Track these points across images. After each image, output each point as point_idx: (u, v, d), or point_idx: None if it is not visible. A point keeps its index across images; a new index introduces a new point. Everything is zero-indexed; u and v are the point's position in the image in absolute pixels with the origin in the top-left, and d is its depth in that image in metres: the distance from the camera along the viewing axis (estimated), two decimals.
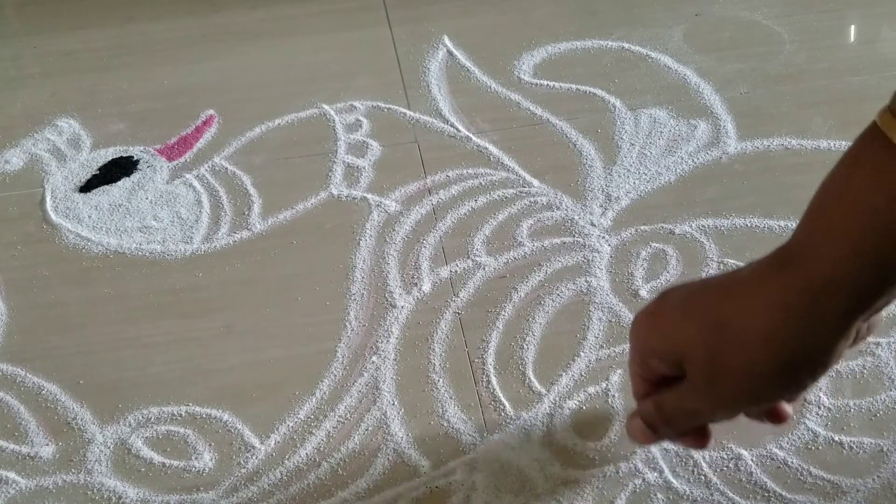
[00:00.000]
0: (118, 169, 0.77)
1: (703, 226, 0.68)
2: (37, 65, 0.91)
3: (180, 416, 0.58)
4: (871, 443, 0.54)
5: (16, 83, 0.88)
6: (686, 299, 0.40)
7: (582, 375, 0.59)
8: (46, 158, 0.79)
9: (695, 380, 0.40)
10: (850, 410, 0.56)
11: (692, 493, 0.52)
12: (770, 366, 0.37)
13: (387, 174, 0.75)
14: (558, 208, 0.70)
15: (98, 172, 0.76)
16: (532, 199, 0.71)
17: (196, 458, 0.56)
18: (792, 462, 0.53)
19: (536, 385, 0.58)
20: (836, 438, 0.54)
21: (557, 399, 0.57)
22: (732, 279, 0.39)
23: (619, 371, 0.59)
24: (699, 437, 0.44)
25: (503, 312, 0.63)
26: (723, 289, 0.39)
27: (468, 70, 0.85)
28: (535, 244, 0.68)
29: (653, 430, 0.45)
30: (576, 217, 0.69)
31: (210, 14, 0.96)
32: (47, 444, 0.57)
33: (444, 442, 0.56)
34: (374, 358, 0.61)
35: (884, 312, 0.38)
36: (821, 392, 0.57)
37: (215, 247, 0.70)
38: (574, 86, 0.82)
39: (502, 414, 0.57)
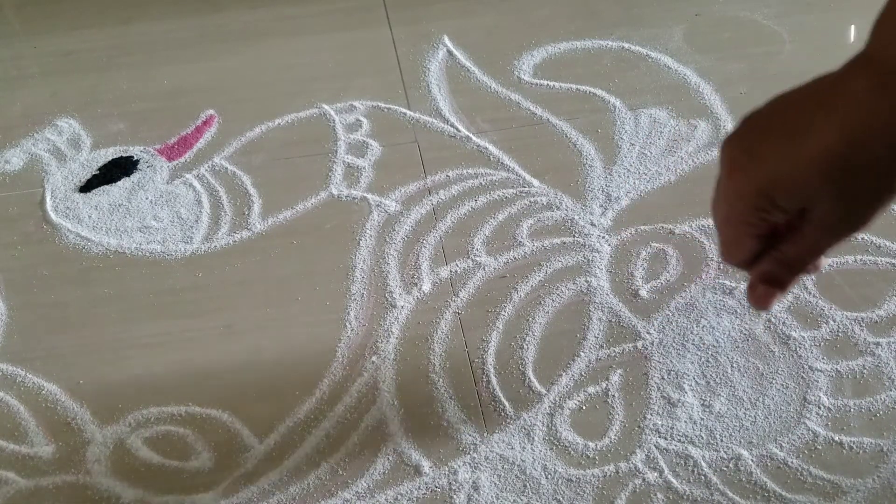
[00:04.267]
0: (118, 169, 0.77)
1: (703, 226, 0.68)
2: (37, 65, 0.91)
3: (180, 416, 0.58)
4: (871, 443, 0.54)
5: (16, 83, 0.88)
6: (787, 130, 0.36)
7: (582, 375, 0.59)
8: (46, 158, 0.79)
9: (825, 214, 0.36)
10: (850, 410, 0.56)
11: (692, 493, 0.52)
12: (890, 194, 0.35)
13: (387, 174, 0.75)
14: (558, 208, 0.70)
15: (98, 172, 0.76)
16: (532, 199, 0.71)
17: (195, 459, 0.56)
18: (792, 462, 0.53)
19: (536, 385, 0.58)
20: (836, 438, 0.54)
21: (557, 399, 0.57)
22: (821, 92, 0.36)
23: (619, 371, 0.59)
24: (815, 265, 0.42)
25: (503, 312, 0.63)
26: (819, 104, 0.36)
27: (468, 70, 0.85)
28: (535, 244, 0.68)
29: (781, 285, 0.42)
30: (576, 217, 0.69)
31: (210, 14, 0.96)
32: (47, 444, 0.57)
33: (445, 442, 0.56)
34: (374, 358, 0.61)
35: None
36: (821, 392, 0.57)
37: (215, 247, 0.70)
38: (574, 86, 0.82)
39: (502, 414, 0.57)
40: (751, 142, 0.37)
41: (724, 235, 0.41)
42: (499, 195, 0.72)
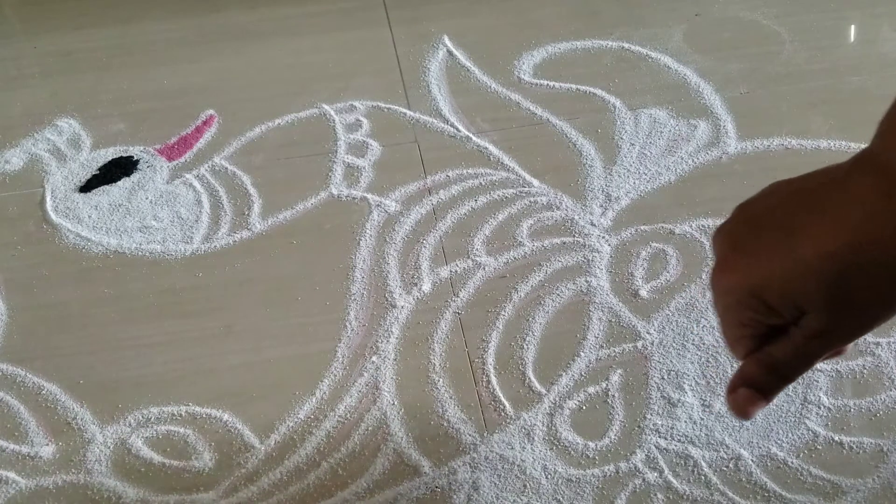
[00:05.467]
0: (118, 169, 0.77)
1: (703, 226, 0.68)
2: (37, 65, 0.91)
3: (180, 416, 0.58)
4: (871, 443, 0.54)
5: (16, 83, 0.88)
6: (783, 227, 0.33)
7: (582, 375, 0.59)
8: (46, 158, 0.79)
9: (816, 323, 0.34)
10: (850, 410, 0.56)
11: (692, 493, 0.52)
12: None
13: (387, 174, 0.75)
14: (558, 208, 0.70)
15: (98, 172, 0.76)
16: (532, 199, 0.71)
17: (196, 458, 0.56)
18: (792, 462, 0.53)
19: (536, 385, 0.58)
20: (836, 438, 0.54)
21: (557, 399, 0.57)
22: (821, 189, 0.33)
23: (619, 371, 0.59)
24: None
25: (503, 312, 0.63)
26: (818, 203, 0.33)
27: (468, 70, 0.85)
28: (535, 244, 0.68)
29: (766, 393, 0.38)
30: (576, 217, 0.69)
31: (210, 14, 0.96)
32: (47, 444, 0.57)
33: (445, 442, 0.56)
34: (374, 358, 0.61)
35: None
36: (821, 392, 0.57)
37: (215, 247, 0.70)
38: (574, 86, 0.82)
39: (502, 414, 0.57)
40: (743, 237, 0.35)
41: (722, 330, 0.38)
42: (499, 195, 0.72)
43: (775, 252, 0.33)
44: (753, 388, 0.38)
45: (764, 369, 0.37)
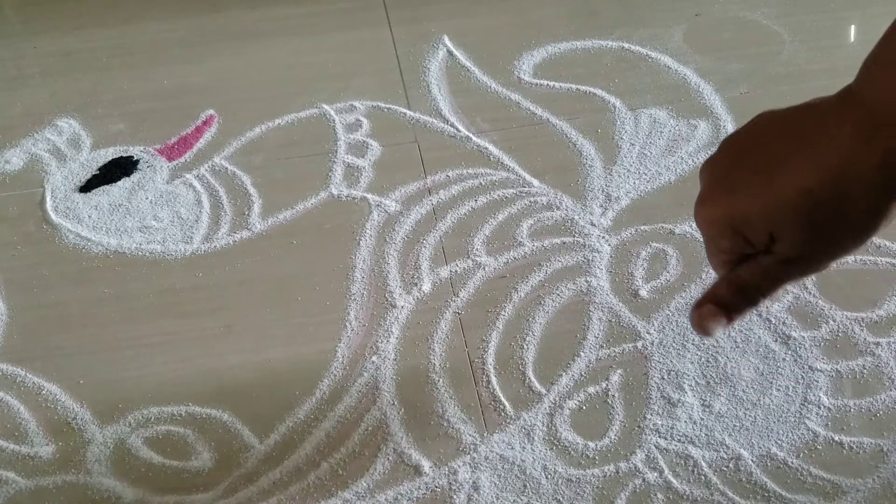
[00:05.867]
0: (118, 169, 0.77)
1: None
2: (37, 65, 0.91)
3: (180, 416, 0.58)
4: (871, 443, 0.54)
5: (16, 83, 0.88)
6: (765, 162, 0.36)
7: (582, 375, 0.59)
8: (46, 158, 0.79)
9: (788, 250, 0.36)
10: (850, 410, 0.56)
11: (692, 493, 0.52)
12: (868, 217, 0.34)
13: (387, 174, 0.75)
14: (558, 208, 0.70)
15: (98, 172, 0.76)
16: (532, 199, 0.71)
17: (195, 458, 0.56)
18: (792, 462, 0.53)
19: (536, 385, 0.58)
20: (836, 438, 0.54)
21: (557, 399, 0.57)
22: (804, 126, 0.35)
23: (619, 371, 0.59)
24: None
25: (503, 312, 0.63)
26: (800, 139, 0.35)
27: (468, 70, 0.85)
28: (535, 244, 0.68)
29: (729, 311, 0.40)
30: (576, 217, 0.69)
31: (210, 14, 0.96)
32: (47, 444, 0.57)
33: (445, 442, 0.56)
34: (374, 358, 0.61)
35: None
36: (821, 392, 0.57)
37: (215, 247, 0.70)
38: (574, 86, 0.82)
39: (502, 414, 0.57)
40: (726, 171, 0.37)
41: (706, 254, 0.41)
42: (499, 195, 0.72)
43: (756, 188, 0.35)
44: (719, 305, 0.39)
45: (731, 289, 0.39)
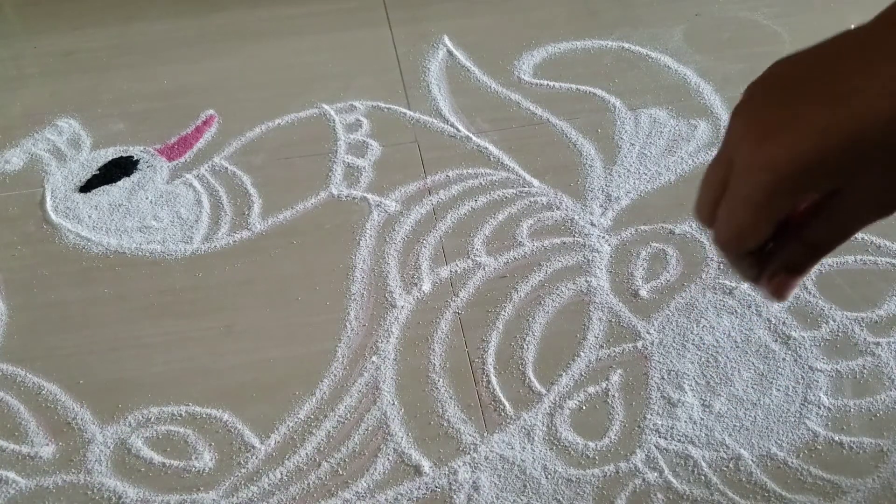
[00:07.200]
0: (118, 169, 0.76)
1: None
2: (37, 65, 0.91)
3: (180, 416, 0.58)
4: (871, 443, 0.54)
5: (16, 83, 0.88)
6: (830, 91, 0.29)
7: (582, 375, 0.59)
8: (46, 158, 0.79)
9: (868, 194, 0.30)
10: (850, 410, 0.56)
11: (692, 493, 0.52)
12: None
13: (387, 174, 0.75)
14: (558, 208, 0.70)
15: (98, 172, 0.76)
16: (532, 199, 0.71)
17: (196, 458, 0.56)
18: (792, 462, 0.53)
19: (536, 385, 0.58)
20: (836, 438, 0.54)
21: (557, 399, 0.57)
22: (861, 43, 0.29)
23: (619, 371, 0.59)
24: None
25: (503, 312, 0.63)
26: (867, 69, 0.28)
27: (468, 70, 0.85)
28: (535, 244, 0.68)
29: (800, 272, 0.34)
30: (576, 217, 0.69)
31: (210, 14, 0.96)
32: (47, 444, 0.57)
33: (445, 442, 0.56)
34: (374, 358, 0.61)
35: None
36: (821, 392, 0.57)
37: (215, 247, 0.70)
38: (574, 86, 0.82)
39: (502, 414, 0.57)
40: (786, 101, 0.29)
41: (738, 219, 0.33)
42: (499, 195, 0.72)
43: (827, 116, 0.28)
44: (794, 270, 0.34)
45: (808, 251, 0.33)
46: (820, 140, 0.28)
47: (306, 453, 0.56)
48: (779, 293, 0.35)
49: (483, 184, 0.73)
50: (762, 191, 0.30)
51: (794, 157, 0.29)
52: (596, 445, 0.55)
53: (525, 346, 0.61)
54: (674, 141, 0.76)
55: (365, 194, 0.73)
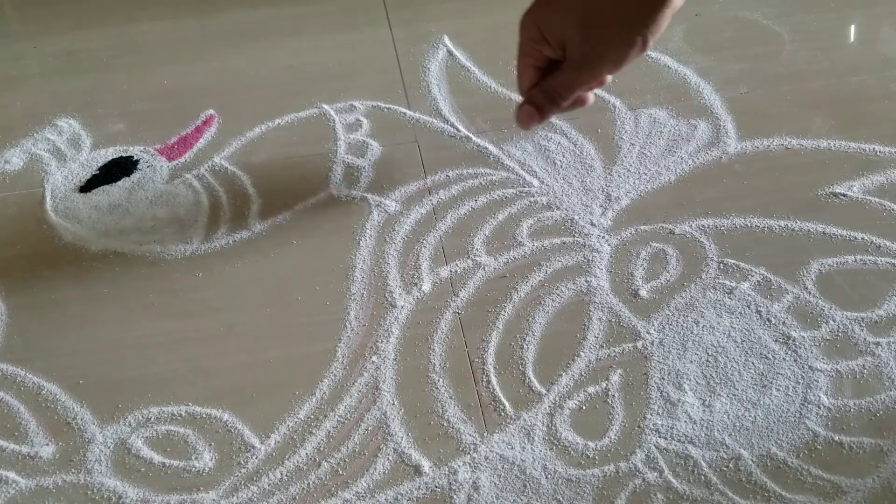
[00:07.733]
0: (118, 169, 0.77)
1: (703, 226, 0.68)
2: (37, 65, 0.91)
3: (180, 416, 0.58)
4: (871, 443, 0.54)
5: (16, 83, 0.88)
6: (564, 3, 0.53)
7: (582, 375, 0.59)
8: (46, 158, 0.79)
9: (573, 58, 0.54)
10: (850, 410, 0.56)
11: (692, 493, 0.52)
12: (636, 13, 0.49)
13: (387, 174, 0.75)
14: (558, 208, 0.70)
15: (98, 172, 0.76)
16: (532, 199, 0.71)
17: (196, 458, 0.56)
18: (792, 462, 0.53)
19: (536, 385, 0.58)
20: (836, 438, 0.54)
21: (557, 399, 0.57)
22: None
23: (619, 371, 0.59)
24: (578, 102, 0.60)
25: (503, 312, 0.63)
26: None
27: (468, 70, 0.85)
28: (535, 244, 0.68)
29: (540, 110, 0.59)
30: (576, 217, 0.69)
31: (210, 14, 0.96)
32: (47, 444, 0.57)
33: (445, 442, 0.56)
34: (374, 358, 0.61)
35: None
36: (821, 392, 0.57)
37: (215, 247, 0.70)
38: None
39: (502, 414, 0.57)
40: (544, 14, 0.55)
41: (517, 69, 0.59)
42: (499, 195, 0.72)
43: (556, 20, 0.53)
44: (534, 106, 0.60)
45: (543, 93, 0.59)
46: (547, 13, 0.55)
47: (306, 453, 0.56)
48: (521, 122, 0.62)
49: (483, 184, 0.73)
50: (522, 40, 0.58)
51: (534, 21, 0.56)
52: (596, 445, 0.55)
53: (525, 346, 0.61)
54: (674, 141, 0.76)
55: (365, 194, 0.73)
